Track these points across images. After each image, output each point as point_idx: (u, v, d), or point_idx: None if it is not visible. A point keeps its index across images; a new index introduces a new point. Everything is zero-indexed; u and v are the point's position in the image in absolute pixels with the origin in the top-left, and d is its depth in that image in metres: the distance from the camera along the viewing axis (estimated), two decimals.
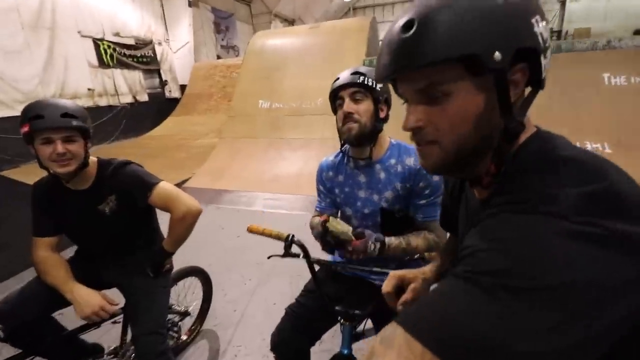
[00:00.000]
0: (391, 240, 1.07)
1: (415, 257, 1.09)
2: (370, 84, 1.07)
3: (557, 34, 18.89)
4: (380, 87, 1.09)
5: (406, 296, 0.77)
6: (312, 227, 1.20)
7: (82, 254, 1.41)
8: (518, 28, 0.43)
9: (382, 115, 1.12)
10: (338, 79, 1.12)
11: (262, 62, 5.70)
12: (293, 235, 1.08)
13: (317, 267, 1.18)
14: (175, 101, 10.90)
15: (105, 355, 1.42)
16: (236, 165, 4.70)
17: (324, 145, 4.36)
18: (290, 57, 5.51)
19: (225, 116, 8.50)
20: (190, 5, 11.20)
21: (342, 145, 1.20)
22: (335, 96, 1.13)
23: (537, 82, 0.48)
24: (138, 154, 6.91)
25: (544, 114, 4.13)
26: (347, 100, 1.09)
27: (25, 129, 1.10)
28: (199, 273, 1.83)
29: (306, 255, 1.09)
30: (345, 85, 1.09)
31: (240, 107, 5.55)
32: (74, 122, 1.13)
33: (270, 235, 1.12)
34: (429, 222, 1.11)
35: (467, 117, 0.46)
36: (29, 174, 5.37)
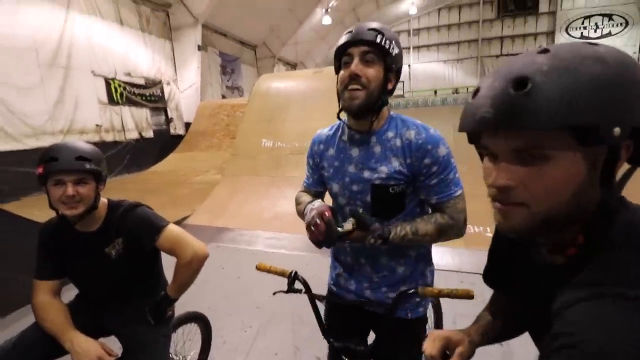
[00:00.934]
0: (395, 234, 0.96)
1: (410, 292, 1.00)
2: (387, 46, 0.91)
3: None
4: (396, 53, 0.94)
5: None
6: (297, 202, 1.17)
7: (82, 299, 1.36)
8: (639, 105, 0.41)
9: (390, 87, 0.98)
10: (351, 31, 0.94)
11: (266, 103, 5.92)
12: (296, 272, 1.11)
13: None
14: (179, 138, 11.14)
15: None
16: (237, 203, 4.70)
17: None
18: (293, 99, 5.73)
19: (227, 153, 8.64)
20: (199, 49, 11.84)
21: (339, 112, 1.03)
22: (342, 53, 0.95)
23: (638, 160, 0.46)
24: (139, 189, 6.92)
25: None
26: (356, 59, 0.92)
27: (40, 170, 1.11)
28: (199, 319, 1.75)
29: (308, 290, 1.11)
30: (358, 42, 0.91)
31: (243, 145, 5.66)
32: (87, 165, 1.14)
33: (275, 273, 1.16)
34: (444, 202, 0.97)
35: (567, 186, 0.44)
36: (30, 207, 5.33)
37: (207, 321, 1.79)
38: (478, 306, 0.84)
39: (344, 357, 1.08)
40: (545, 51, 0.44)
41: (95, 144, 9.26)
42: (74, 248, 1.25)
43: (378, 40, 0.90)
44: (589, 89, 0.40)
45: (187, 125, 11.57)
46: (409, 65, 23.37)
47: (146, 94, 10.55)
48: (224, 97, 14.30)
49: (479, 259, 3.25)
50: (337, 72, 0.99)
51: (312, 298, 1.11)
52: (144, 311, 1.27)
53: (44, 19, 7.68)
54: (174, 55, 11.76)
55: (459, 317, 2.27)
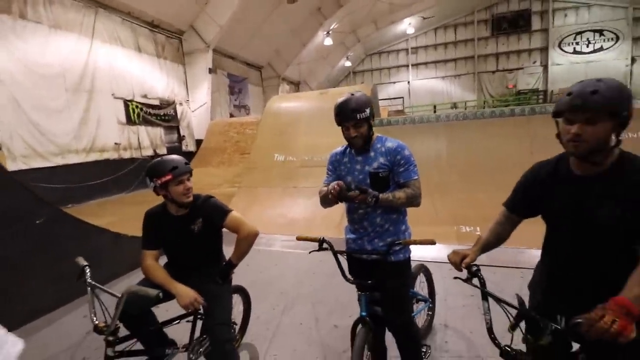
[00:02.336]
0: (383, 195, 1.60)
1: (396, 242, 1.65)
2: (364, 116, 1.58)
3: (543, 93, 20.70)
4: (369, 112, 1.59)
5: (466, 260, 1.26)
6: (321, 193, 1.75)
7: (169, 266, 1.84)
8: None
9: (372, 124, 1.67)
10: (341, 111, 1.60)
11: (277, 122, 6.50)
12: (324, 238, 1.74)
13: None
14: (191, 154, 11.73)
15: (179, 348, 1.81)
16: (255, 211, 5.19)
17: None
18: (302, 118, 6.31)
19: (238, 168, 9.18)
20: (210, 72, 12.61)
21: (349, 147, 1.75)
22: (341, 123, 1.63)
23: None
24: (158, 202, 7.42)
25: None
26: (351, 129, 1.62)
27: (169, 177, 1.63)
28: (241, 291, 2.24)
29: (332, 248, 1.70)
30: (349, 120, 1.60)
31: (257, 160, 6.21)
32: (190, 167, 1.76)
33: (310, 239, 1.75)
34: (408, 181, 1.65)
35: (603, 136, 1.03)
36: None
37: (247, 293, 2.28)
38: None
39: (358, 290, 1.66)
40: (600, 80, 1.04)
41: (114, 161, 9.81)
42: (169, 227, 1.76)
43: (359, 117, 1.59)
44: (617, 96, 1.00)
45: (198, 142, 12.21)
46: (409, 82, 24.18)
47: (161, 114, 11.23)
48: (232, 115, 15.03)
49: None
50: (338, 125, 1.67)
51: (335, 253, 1.71)
52: (213, 274, 1.78)
53: (71, 48, 8.42)
54: (186, 78, 12.53)
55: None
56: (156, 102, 11.08)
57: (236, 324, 2.17)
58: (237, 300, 2.25)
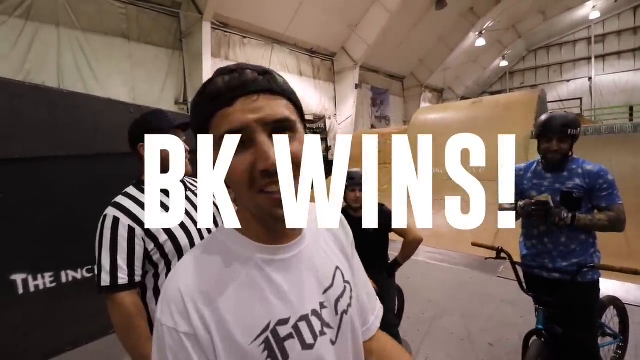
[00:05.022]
0: (580, 215, 1.57)
1: (589, 265, 1.56)
2: (571, 134, 1.61)
3: None
4: (577, 133, 1.61)
5: None
6: (501, 205, 1.74)
7: None
8: None
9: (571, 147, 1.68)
10: (550, 122, 1.64)
11: (424, 134, 6.53)
12: (501, 247, 1.74)
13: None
14: None
15: None
16: None
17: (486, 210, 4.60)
18: (452, 129, 6.14)
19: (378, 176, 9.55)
20: (356, 87, 13.63)
21: (542, 162, 1.75)
22: (545, 134, 1.66)
23: None
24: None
25: None
26: (555, 142, 1.63)
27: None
28: (399, 290, 2.48)
29: (510, 258, 1.70)
30: (557, 134, 1.63)
31: None
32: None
33: (486, 247, 1.78)
34: (611, 206, 1.58)
35: None
36: None
37: (403, 293, 2.51)
38: None
39: (535, 304, 1.64)
40: None
41: None
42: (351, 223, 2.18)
43: (569, 132, 1.63)
44: None
45: None
46: (590, 79, 19.41)
47: (313, 127, 12.88)
48: (372, 126, 15.73)
49: None
50: (540, 139, 1.71)
51: (513, 263, 1.73)
52: (380, 269, 2.12)
53: None
54: (335, 94, 13.96)
55: None
56: (310, 117, 12.77)
57: None
58: None
